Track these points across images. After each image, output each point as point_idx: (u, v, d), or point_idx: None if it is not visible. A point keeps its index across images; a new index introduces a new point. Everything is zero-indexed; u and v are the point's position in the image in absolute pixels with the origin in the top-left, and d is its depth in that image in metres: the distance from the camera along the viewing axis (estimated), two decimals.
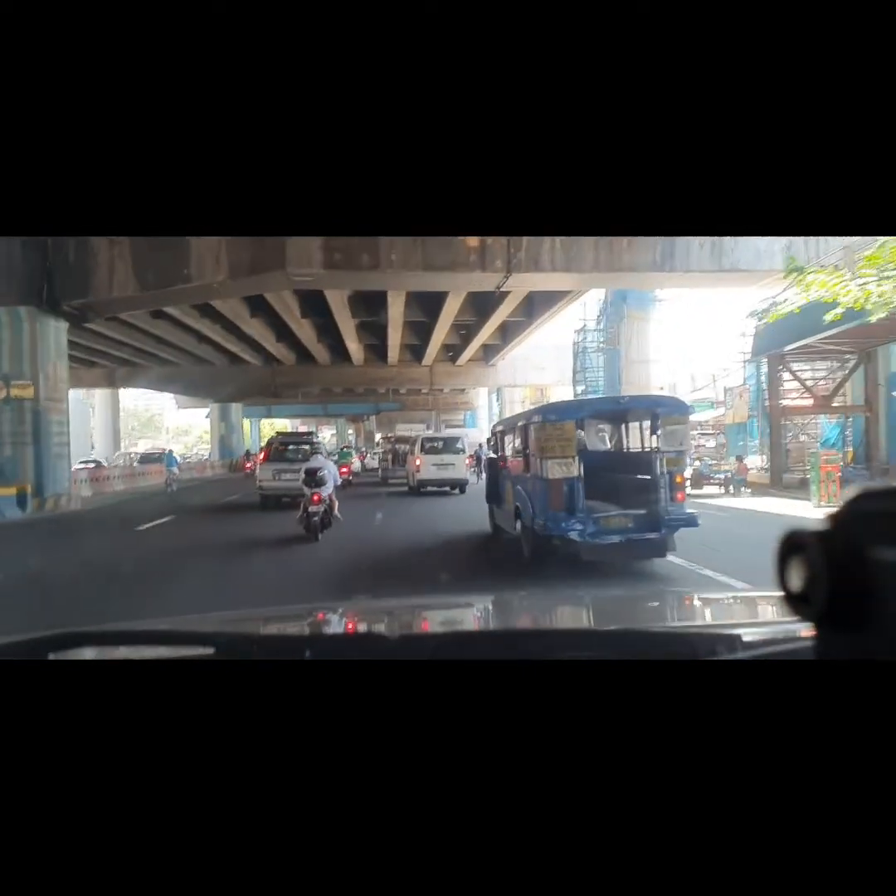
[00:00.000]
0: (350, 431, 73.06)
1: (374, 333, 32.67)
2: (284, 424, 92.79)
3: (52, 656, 0.94)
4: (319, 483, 9.47)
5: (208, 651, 0.93)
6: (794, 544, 0.46)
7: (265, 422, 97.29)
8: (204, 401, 40.60)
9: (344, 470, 17.85)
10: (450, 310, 25.38)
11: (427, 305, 27.00)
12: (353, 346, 34.87)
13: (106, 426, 50.49)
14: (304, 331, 29.74)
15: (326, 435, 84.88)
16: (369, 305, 27.29)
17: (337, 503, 9.98)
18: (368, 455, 38.71)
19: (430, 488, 19.18)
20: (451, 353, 38.54)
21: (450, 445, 19.82)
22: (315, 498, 9.35)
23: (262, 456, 15.66)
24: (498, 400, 49.56)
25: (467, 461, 19.56)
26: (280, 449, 15.46)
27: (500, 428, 10.72)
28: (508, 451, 9.57)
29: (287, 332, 30.73)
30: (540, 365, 39.95)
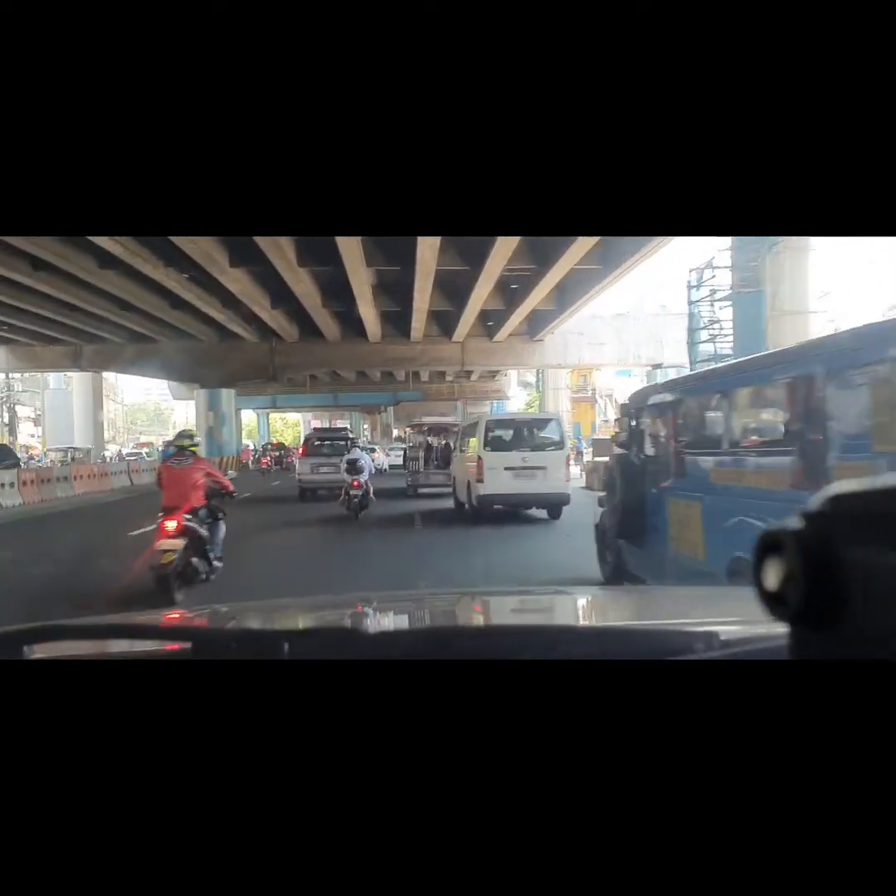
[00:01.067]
0: (365, 426, 65.99)
1: (395, 295, 25.62)
2: (297, 419, 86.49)
3: (26, 649, 0.95)
4: (358, 471, 12.43)
5: (185, 646, 0.92)
6: (771, 543, 0.46)
7: (275, 416, 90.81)
8: (194, 388, 33.44)
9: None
10: (503, 250, 18.29)
11: (470, 247, 19.95)
12: (369, 314, 27.87)
13: (87, 417, 43.57)
14: (305, 287, 22.68)
15: None
16: (391, 250, 20.26)
17: (372, 487, 12.62)
18: (387, 451, 31.45)
19: (497, 508, 11.56)
20: (490, 323, 31.41)
21: (535, 435, 12.02)
22: (355, 483, 12.31)
23: (301, 451, 17.52)
24: (538, 386, 42.25)
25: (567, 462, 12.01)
26: (317, 444, 17.11)
27: (662, 397, 5.65)
28: (702, 444, 4.96)
29: (284, 293, 23.74)
30: (597, 340, 32.60)
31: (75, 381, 43.62)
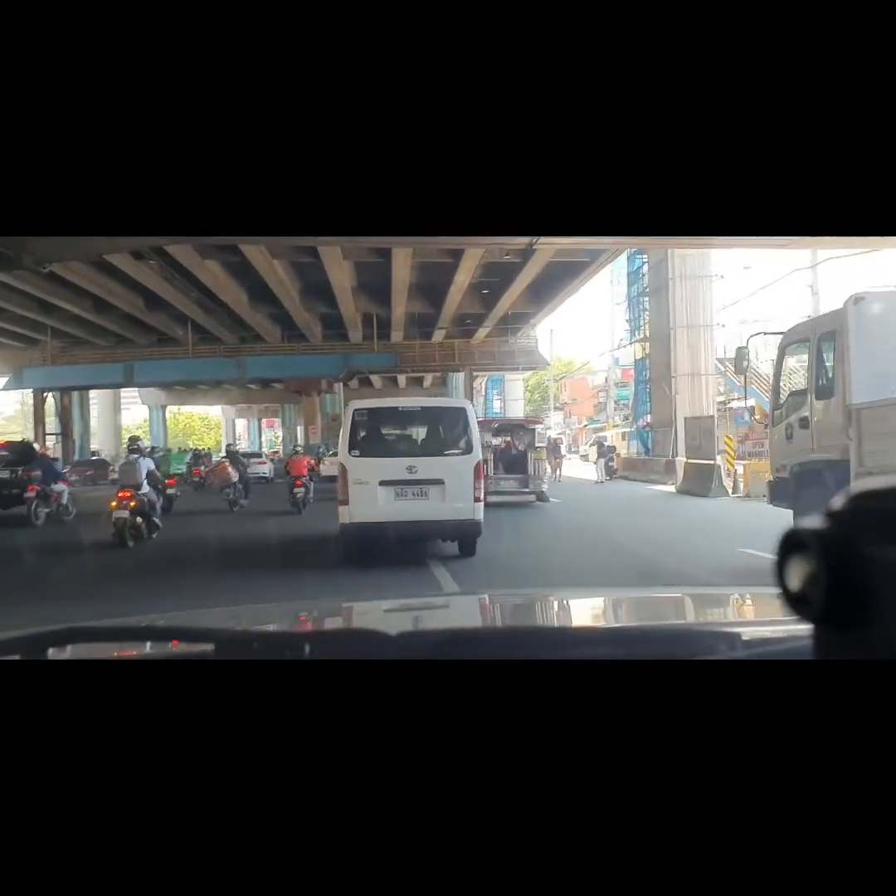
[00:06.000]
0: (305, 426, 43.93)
1: None
2: (218, 417, 64.19)
3: (51, 651, 0.96)
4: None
5: (208, 647, 0.94)
6: (794, 543, 0.46)
7: (193, 412, 68.21)
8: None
9: None
10: None
11: None
12: None
13: None
14: None
15: (276, 435, 56.71)
16: None
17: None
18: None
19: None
20: None
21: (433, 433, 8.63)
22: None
23: None
24: (636, 329, 21.11)
25: None
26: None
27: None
28: None
29: None
30: None
31: None
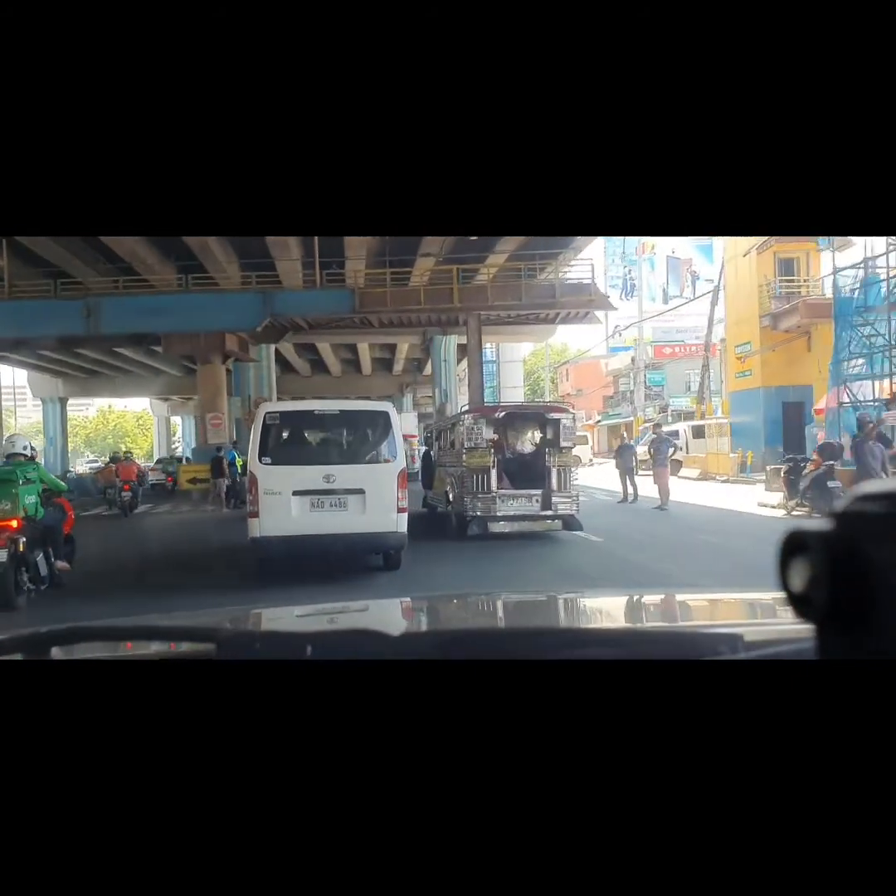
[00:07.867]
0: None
1: None
2: (146, 411, 53.53)
3: (54, 650, 0.98)
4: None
5: (209, 646, 0.94)
6: (796, 544, 0.46)
7: (124, 409, 56.97)
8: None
9: None
10: None
11: None
12: None
13: None
14: None
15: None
16: None
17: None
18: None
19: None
20: None
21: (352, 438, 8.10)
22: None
23: None
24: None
25: None
26: None
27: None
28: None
29: None
30: None
31: None
